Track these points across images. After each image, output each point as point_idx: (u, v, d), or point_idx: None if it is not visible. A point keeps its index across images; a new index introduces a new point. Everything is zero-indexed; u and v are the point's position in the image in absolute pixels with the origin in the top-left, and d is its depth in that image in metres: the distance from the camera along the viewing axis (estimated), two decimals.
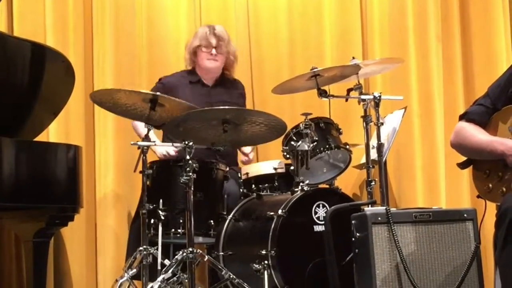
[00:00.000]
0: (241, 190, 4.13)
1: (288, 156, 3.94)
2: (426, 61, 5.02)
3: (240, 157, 4.51)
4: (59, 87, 3.99)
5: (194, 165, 3.44)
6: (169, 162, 4.03)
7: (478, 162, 3.08)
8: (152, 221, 3.74)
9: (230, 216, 3.90)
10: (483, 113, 3.05)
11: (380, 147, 3.72)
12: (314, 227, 3.64)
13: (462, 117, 3.12)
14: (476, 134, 3.02)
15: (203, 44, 4.45)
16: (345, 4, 5.10)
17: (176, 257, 3.52)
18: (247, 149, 4.43)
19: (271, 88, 4.01)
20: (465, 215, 3.14)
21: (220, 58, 4.47)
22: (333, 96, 3.81)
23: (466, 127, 3.06)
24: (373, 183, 3.76)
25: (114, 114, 4.01)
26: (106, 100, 3.74)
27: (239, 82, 4.67)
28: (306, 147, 3.84)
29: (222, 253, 3.83)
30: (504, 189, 2.90)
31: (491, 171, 3.00)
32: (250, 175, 4.11)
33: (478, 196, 3.08)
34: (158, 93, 3.71)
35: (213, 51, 4.44)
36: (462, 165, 3.17)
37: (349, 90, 3.85)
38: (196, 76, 4.52)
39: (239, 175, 4.17)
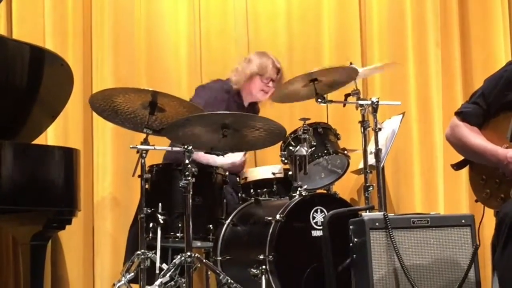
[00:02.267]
0: (239, 194, 4.13)
1: (286, 161, 3.94)
2: (425, 66, 5.03)
3: None
4: (57, 90, 3.98)
5: (193, 169, 3.44)
6: (171, 166, 4.00)
7: (474, 167, 3.08)
8: (150, 225, 3.73)
9: (228, 220, 3.90)
10: (478, 114, 3.02)
11: (378, 152, 3.73)
12: (312, 232, 3.63)
13: (457, 114, 3.08)
14: (471, 137, 2.99)
15: (264, 74, 4.42)
16: (343, 9, 5.10)
17: (174, 261, 3.52)
18: None
19: None
20: (463, 220, 3.14)
21: (271, 91, 4.45)
22: (331, 101, 3.82)
23: (461, 127, 3.03)
24: (371, 188, 3.77)
25: (114, 124, 3.91)
26: (105, 107, 3.68)
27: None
28: (304, 152, 3.84)
29: (220, 258, 3.83)
30: (503, 195, 2.89)
31: (488, 177, 3.00)
32: (249, 179, 4.11)
33: (476, 201, 3.08)
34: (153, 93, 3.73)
35: (270, 83, 4.44)
36: (457, 166, 3.16)
37: (346, 96, 3.86)
38: (236, 94, 4.47)
39: (238, 180, 4.17)
